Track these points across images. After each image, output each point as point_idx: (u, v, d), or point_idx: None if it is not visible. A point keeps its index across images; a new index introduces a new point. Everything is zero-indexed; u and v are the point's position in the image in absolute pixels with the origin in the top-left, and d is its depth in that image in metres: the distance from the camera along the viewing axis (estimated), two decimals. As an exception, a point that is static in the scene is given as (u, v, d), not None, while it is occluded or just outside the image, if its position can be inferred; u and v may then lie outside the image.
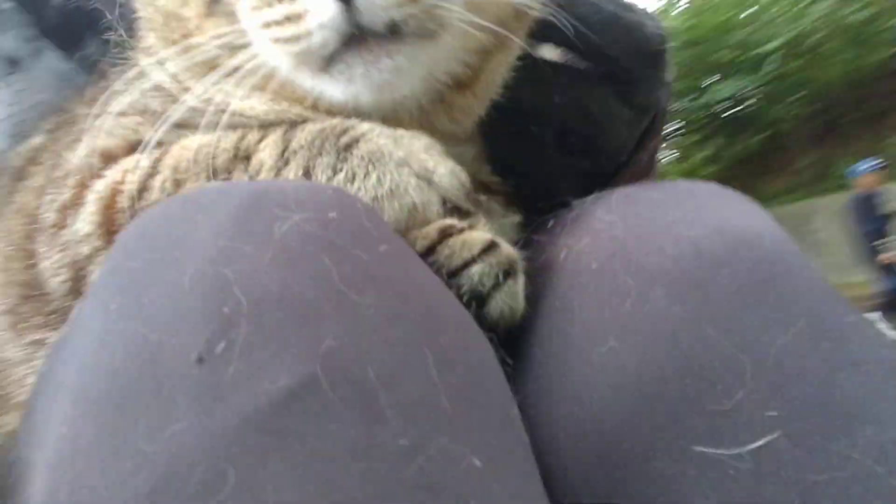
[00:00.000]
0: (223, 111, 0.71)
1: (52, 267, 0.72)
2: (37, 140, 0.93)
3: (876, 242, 9.23)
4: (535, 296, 0.66)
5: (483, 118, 0.82)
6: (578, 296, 0.62)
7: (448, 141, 0.72)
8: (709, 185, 0.68)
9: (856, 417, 0.51)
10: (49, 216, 0.74)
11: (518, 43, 0.77)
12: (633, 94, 0.86)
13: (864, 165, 10.34)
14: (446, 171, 0.67)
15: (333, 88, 0.69)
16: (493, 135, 0.85)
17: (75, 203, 0.73)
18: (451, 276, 0.62)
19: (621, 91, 0.86)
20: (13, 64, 1.13)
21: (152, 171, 0.70)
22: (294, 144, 0.69)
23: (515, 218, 0.82)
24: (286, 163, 0.68)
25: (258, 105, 0.73)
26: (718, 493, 0.50)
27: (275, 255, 0.47)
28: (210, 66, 0.72)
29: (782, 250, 0.58)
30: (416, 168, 0.66)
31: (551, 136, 0.88)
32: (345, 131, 0.68)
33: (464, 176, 0.68)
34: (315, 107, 0.73)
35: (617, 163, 0.90)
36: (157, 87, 0.78)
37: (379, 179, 0.64)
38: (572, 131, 0.88)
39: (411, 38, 0.66)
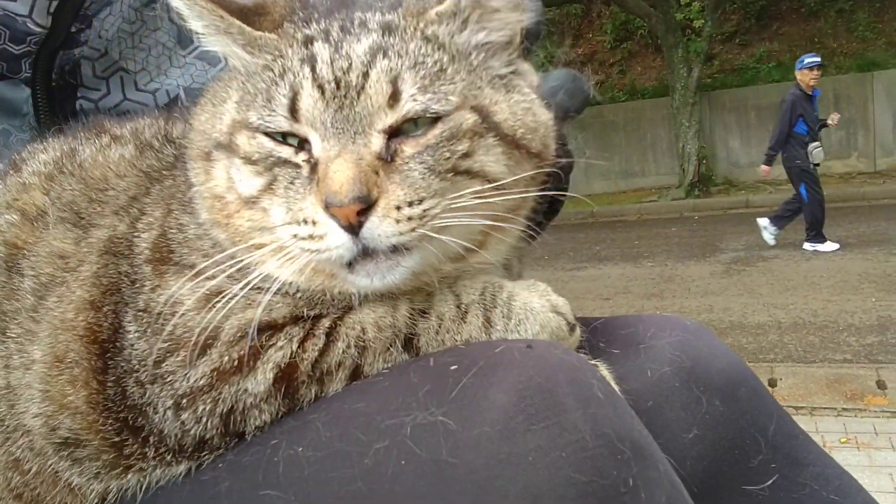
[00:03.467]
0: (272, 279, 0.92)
1: (190, 417, 0.90)
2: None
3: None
4: (628, 394, 0.97)
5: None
6: (666, 401, 1.05)
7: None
8: (694, 325, 1.16)
9: (804, 464, 1.08)
10: (198, 381, 0.89)
11: (517, 225, 1.02)
12: None
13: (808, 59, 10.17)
14: (562, 303, 1.01)
15: (356, 281, 0.91)
16: None
17: (239, 370, 0.90)
18: None
19: None
20: None
21: (329, 340, 0.91)
22: (465, 298, 0.96)
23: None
24: (465, 313, 0.95)
25: (300, 279, 0.94)
26: None
27: None
28: (246, 239, 0.94)
29: (749, 371, 1.14)
30: (550, 306, 0.98)
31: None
32: (501, 287, 0.98)
33: (567, 303, 1.02)
34: (337, 279, 0.94)
35: None
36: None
37: (534, 319, 0.96)
38: None
39: (407, 251, 0.89)
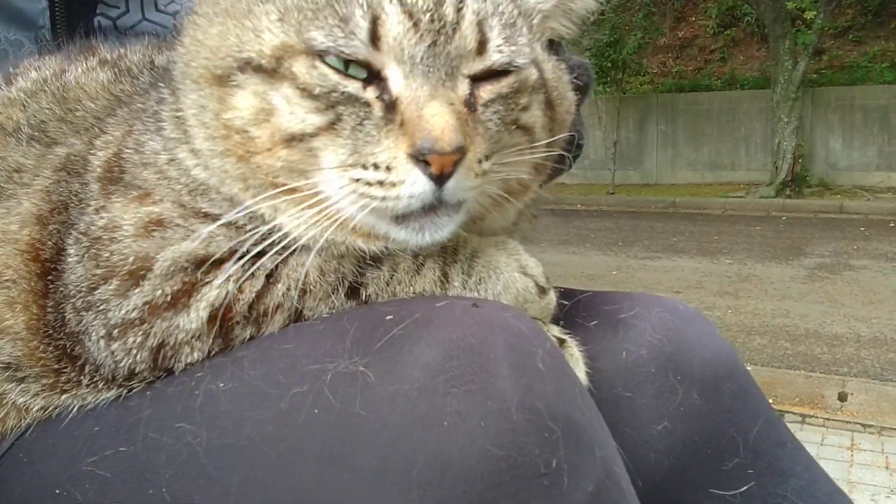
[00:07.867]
0: (280, 232, 0.84)
1: (120, 348, 0.85)
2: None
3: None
4: (598, 374, 0.92)
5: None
6: (638, 387, 0.98)
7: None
8: (688, 310, 1.07)
9: (788, 475, 0.99)
10: (129, 314, 0.85)
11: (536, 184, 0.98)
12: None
13: None
14: (533, 264, 0.94)
15: (402, 236, 0.84)
16: None
17: (172, 306, 0.84)
18: None
19: None
20: None
21: (269, 281, 0.86)
22: (423, 250, 0.89)
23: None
24: (421, 265, 0.89)
25: (318, 235, 0.85)
26: None
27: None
28: (271, 182, 0.84)
29: (741, 366, 1.04)
30: (517, 266, 0.92)
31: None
32: (466, 242, 0.92)
33: (539, 265, 0.94)
34: (368, 236, 0.87)
35: None
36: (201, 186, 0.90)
37: (497, 279, 0.90)
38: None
39: (462, 206, 0.84)
